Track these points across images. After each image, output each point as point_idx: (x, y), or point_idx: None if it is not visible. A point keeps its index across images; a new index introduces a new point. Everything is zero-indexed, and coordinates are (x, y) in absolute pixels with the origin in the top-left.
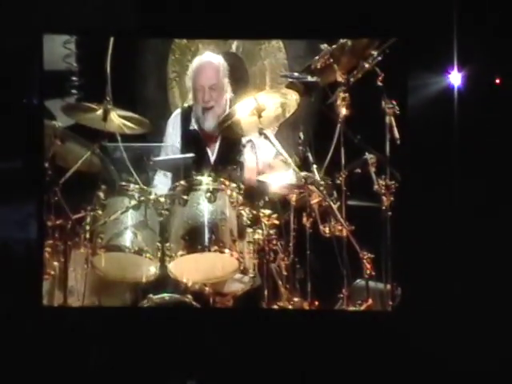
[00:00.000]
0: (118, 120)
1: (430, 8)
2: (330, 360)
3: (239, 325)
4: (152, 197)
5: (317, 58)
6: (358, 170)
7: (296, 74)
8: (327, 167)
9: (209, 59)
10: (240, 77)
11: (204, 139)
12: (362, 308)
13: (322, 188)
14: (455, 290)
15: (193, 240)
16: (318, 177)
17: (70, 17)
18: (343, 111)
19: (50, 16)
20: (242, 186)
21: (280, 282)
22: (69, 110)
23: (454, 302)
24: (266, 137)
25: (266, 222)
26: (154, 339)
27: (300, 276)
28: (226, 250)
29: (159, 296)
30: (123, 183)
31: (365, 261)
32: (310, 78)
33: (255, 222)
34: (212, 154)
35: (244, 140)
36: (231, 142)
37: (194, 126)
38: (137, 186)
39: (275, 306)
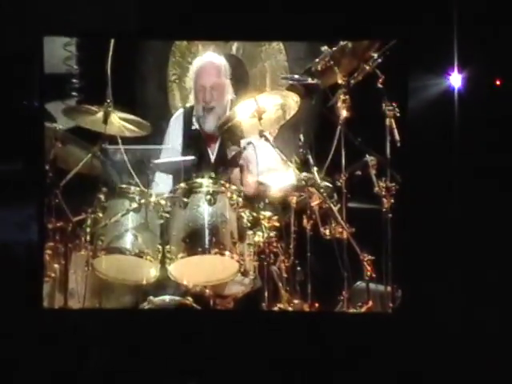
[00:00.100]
0: (118, 122)
1: (430, 10)
2: (330, 362)
3: (239, 327)
4: (153, 199)
5: (317, 60)
6: (359, 172)
7: (296, 76)
8: (328, 169)
9: (210, 59)
10: (240, 79)
11: (205, 139)
12: (363, 310)
13: (322, 190)
14: (456, 291)
15: (193, 242)
16: (318, 179)
17: (70, 19)
18: (344, 113)
19: (51, 18)
20: (242, 189)
21: (280, 284)
22: (69, 113)
23: (454, 304)
24: (267, 139)
25: (267, 224)
26: (155, 341)
27: (300, 278)
28: (227, 253)
29: (160, 298)
30: (124, 185)
31: (365, 263)
32: (310, 80)
33: (255, 224)
34: (212, 154)
35: (244, 142)
36: (231, 143)
37: (195, 125)
38: (137, 189)
39: (276, 308)
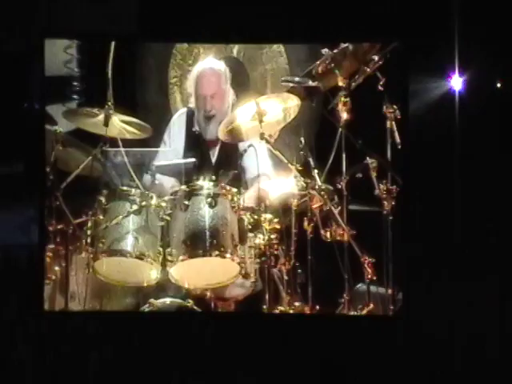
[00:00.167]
0: (119, 125)
1: (430, 12)
2: (331, 364)
3: (240, 329)
4: (153, 202)
5: (318, 62)
6: (359, 175)
7: (297, 79)
8: (328, 172)
9: (210, 66)
10: (241, 81)
11: (206, 142)
12: (363, 312)
13: (323, 192)
14: (456, 293)
15: (194, 245)
16: (319, 181)
17: (71, 22)
18: (344, 116)
19: (51, 21)
20: (243, 191)
21: (281, 287)
22: (70, 115)
23: (454, 306)
24: (268, 141)
25: (268, 227)
26: (156, 344)
27: (301, 280)
28: (228, 255)
29: (160, 301)
30: (124, 188)
31: (366, 265)
32: (311, 83)
33: (256, 226)
34: (213, 156)
35: (245, 144)
36: (232, 145)
37: (196, 128)
38: (138, 191)
39: (276, 311)
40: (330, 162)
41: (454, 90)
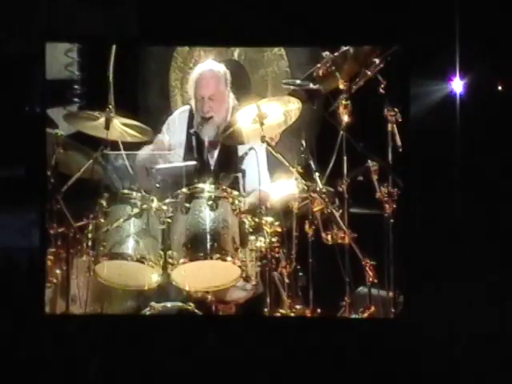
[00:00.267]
0: (120, 128)
1: (431, 15)
2: (332, 367)
3: (242, 332)
4: (154, 205)
5: (319, 65)
6: (361, 178)
7: (298, 82)
8: (329, 174)
9: (209, 68)
10: (242, 84)
11: (204, 143)
12: (365, 315)
13: (324, 195)
14: (457, 295)
15: (195, 248)
16: (320, 184)
17: (72, 25)
18: (345, 119)
19: (52, 24)
20: (244, 194)
21: (282, 290)
22: (71, 119)
23: (455, 309)
24: (269, 144)
25: (269, 230)
26: (157, 347)
27: (302, 283)
28: (229, 258)
29: (161, 304)
30: (125, 191)
31: (367, 268)
32: (312, 86)
33: (257, 229)
34: (212, 158)
35: (246, 147)
36: (232, 148)
37: (194, 129)
38: (139, 194)
39: (277, 314)
40: (331, 164)
41: (455, 93)
